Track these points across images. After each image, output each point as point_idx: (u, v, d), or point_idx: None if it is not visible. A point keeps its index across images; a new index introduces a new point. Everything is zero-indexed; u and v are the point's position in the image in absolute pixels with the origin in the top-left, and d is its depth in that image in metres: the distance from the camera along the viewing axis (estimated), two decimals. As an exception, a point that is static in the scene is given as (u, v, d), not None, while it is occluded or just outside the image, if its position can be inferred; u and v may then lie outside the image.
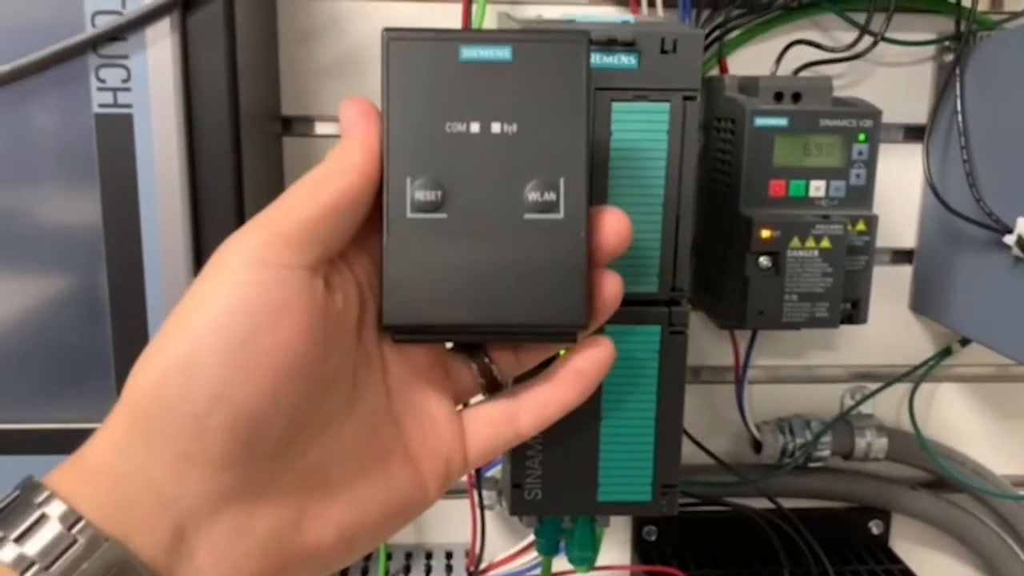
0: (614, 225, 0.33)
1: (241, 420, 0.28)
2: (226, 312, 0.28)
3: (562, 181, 0.33)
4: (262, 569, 0.29)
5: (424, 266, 0.32)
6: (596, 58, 0.40)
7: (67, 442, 0.47)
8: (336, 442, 0.31)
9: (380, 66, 0.33)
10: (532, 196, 0.33)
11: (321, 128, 0.60)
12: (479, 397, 0.36)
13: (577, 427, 0.42)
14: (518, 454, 0.42)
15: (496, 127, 0.33)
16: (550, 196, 0.33)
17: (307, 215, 0.30)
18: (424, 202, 0.32)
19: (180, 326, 0.28)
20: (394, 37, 0.32)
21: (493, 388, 0.35)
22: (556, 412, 0.34)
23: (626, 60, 0.40)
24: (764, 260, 0.50)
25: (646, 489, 0.43)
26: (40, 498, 0.27)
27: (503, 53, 0.32)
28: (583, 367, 0.34)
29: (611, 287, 0.34)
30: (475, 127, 0.32)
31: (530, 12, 0.58)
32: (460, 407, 0.35)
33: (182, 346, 0.28)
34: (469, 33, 0.33)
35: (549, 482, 0.43)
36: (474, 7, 0.54)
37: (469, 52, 0.32)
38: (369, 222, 0.32)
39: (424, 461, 0.33)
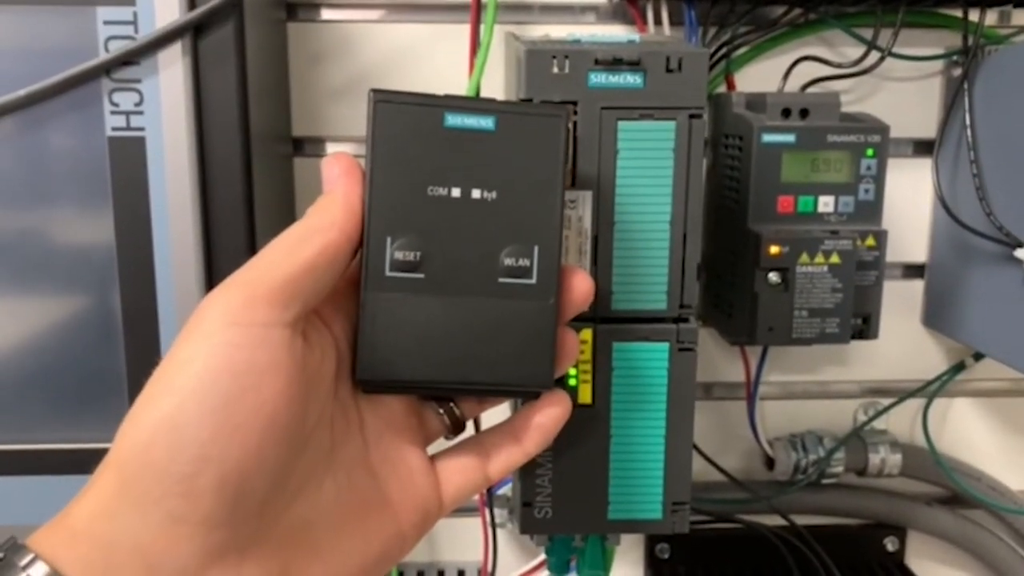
0: (580, 287, 0.35)
1: (229, 478, 0.28)
2: (210, 373, 0.28)
3: (536, 249, 0.34)
4: None
5: (399, 323, 0.34)
6: (602, 77, 0.40)
7: (80, 462, 0.47)
8: (317, 497, 0.32)
9: (366, 126, 0.34)
10: (507, 261, 0.34)
11: (332, 148, 0.60)
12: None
13: (587, 445, 0.42)
14: (528, 472, 0.42)
15: (476, 193, 0.34)
16: (524, 262, 0.34)
17: (287, 273, 0.30)
18: (403, 261, 0.34)
19: (165, 387, 0.29)
20: (381, 99, 0.34)
21: (457, 430, 0.37)
22: (519, 460, 0.36)
23: (632, 79, 0.40)
24: (773, 276, 0.50)
25: (656, 507, 0.43)
26: (24, 560, 0.27)
27: (486, 123, 0.34)
28: (543, 423, 0.36)
29: (571, 344, 0.36)
30: (456, 192, 0.34)
31: (537, 32, 0.59)
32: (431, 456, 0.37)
33: (168, 406, 0.28)
34: (454, 100, 0.34)
35: (559, 500, 0.43)
36: (482, 27, 0.54)
37: (454, 119, 0.33)
38: (345, 278, 0.33)
39: (402, 511, 0.34)
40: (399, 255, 0.33)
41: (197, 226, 0.46)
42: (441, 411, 0.36)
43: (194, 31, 0.45)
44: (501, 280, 0.34)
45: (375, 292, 0.34)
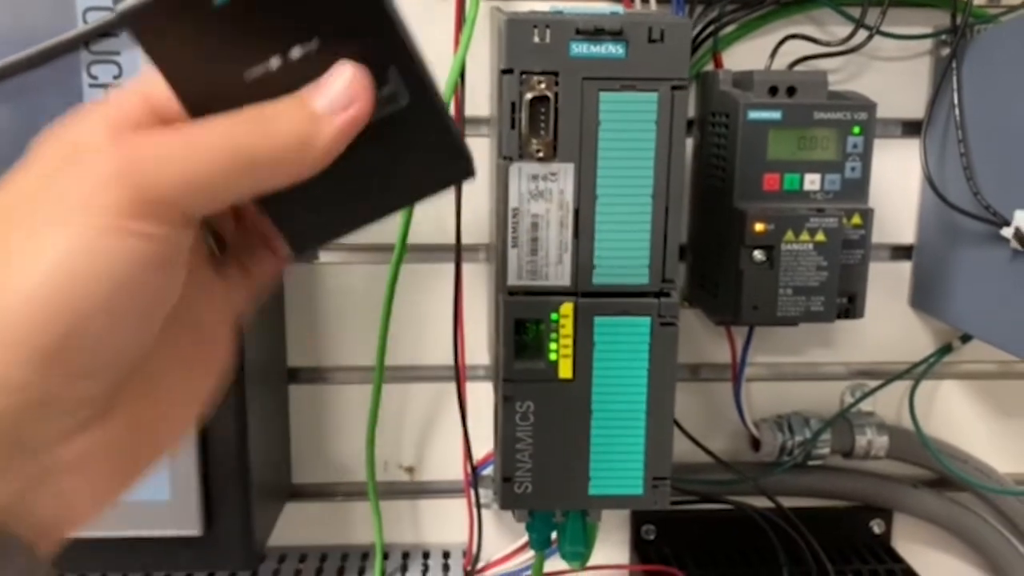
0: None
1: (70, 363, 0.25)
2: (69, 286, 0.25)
3: (393, 68, 0.29)
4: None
5: (304, 198, 0.29)
6: (583, 47, 0.40)
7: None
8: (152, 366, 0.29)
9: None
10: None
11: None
12: None
13: (568, 420, 0.42)
14: (508, 447, 0.42)
15: (297, 51, 0.28)
16: (387, 91, 0.29)
17: (205, 173, 0.26)
18: None
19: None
20: (137, 21, 0.27)
21: (222, 249, 0.33)
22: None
23: (613, 49, 0.40)
24: (758, 254, 0.50)
25: (637, 482, 0.43)
26: None
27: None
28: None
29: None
30: (275, 61, 0.28)
31: (523, 6, 0.58)
32: None
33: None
34: None
35: (540, 475, 0.42)
36: (467, 3, 0.54)
37: None
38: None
39: (221, 339, 0.32)
40: None
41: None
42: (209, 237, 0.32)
43: (174, 2, 0.45)
44: (374, 118, 0.29)
45: None
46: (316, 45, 0.28)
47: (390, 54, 0.29)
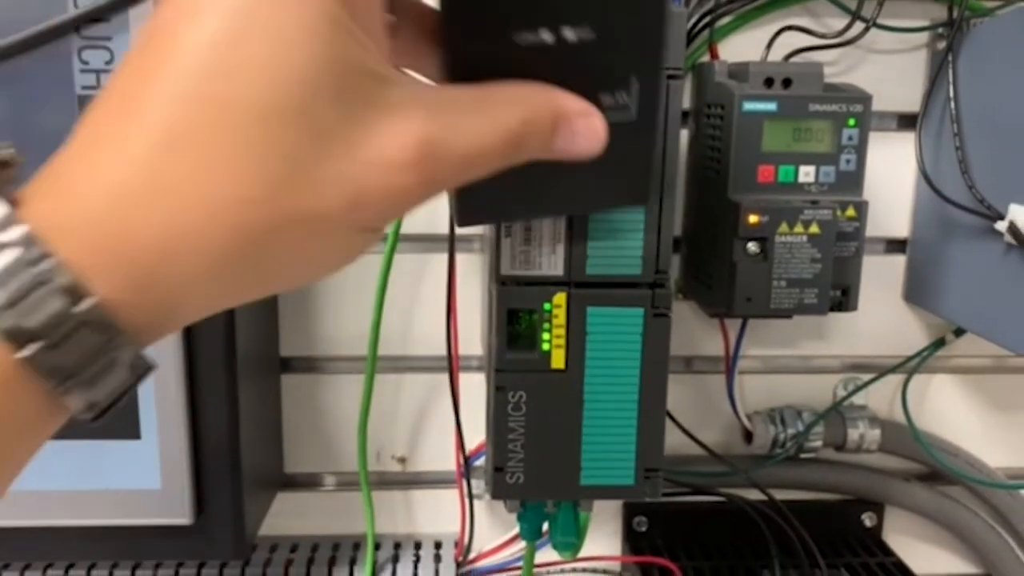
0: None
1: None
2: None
3: (636, 83, 0.31)
4: None
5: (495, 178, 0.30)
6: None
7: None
8: None
9: None
10: (607, 101, 0.31)
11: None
12: None
13: (560, 410, 0.42)
14: (500, 438, 0.42)
15: (570, 34, 0.29)
16: (623, 99, 0.31)
17: None
18: None
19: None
20: None
21: None
22: None
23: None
24: (752, 246, 0.50)
25: (629, 473, 0.43)
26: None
27: None
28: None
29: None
30: (547, 36, 0.29)
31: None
32: None
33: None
34: None
35: (531, 466, 0.42)
36: None
37: None
38: None
39: None
40: None
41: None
42: None
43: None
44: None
45: None
46: (589, 34, 0.29)
47: (643, 68, 0.31)
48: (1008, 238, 0.51)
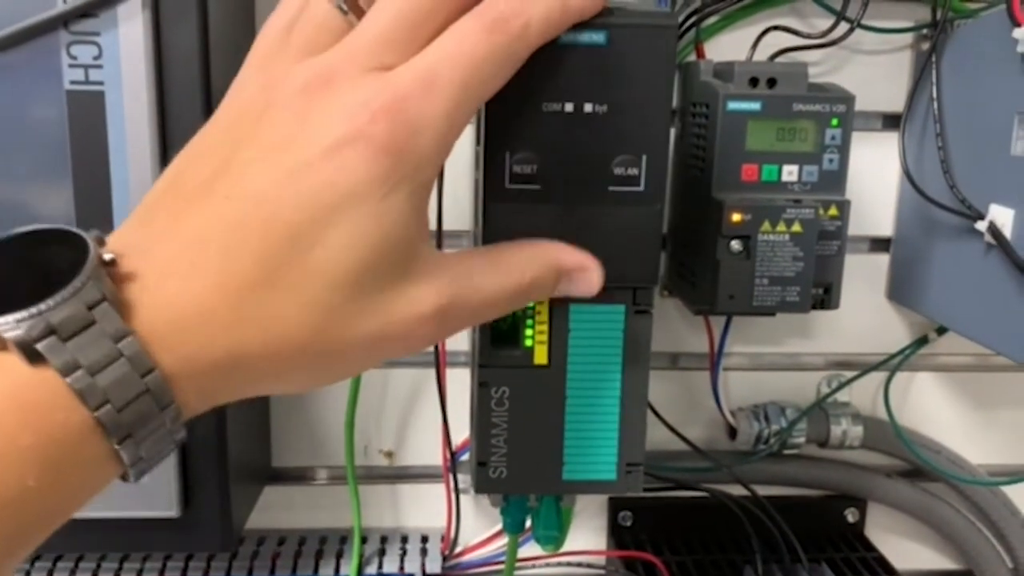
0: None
1: None
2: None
3: (644, 158, 0.37)
4: None
5: (518, 231, 0.37)
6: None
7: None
8: None
9: None
10: (618, 170, 0.37)
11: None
12: None
13: (543, 406, 0.42)
14: (483, 432, 0.42)
15: (588, 107, 0.36)
16: (633, 171, 0.37)
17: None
18: (521, 174, 0.36)
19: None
20: None
21: None
22: None
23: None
24: (735, 244, 0.50)
25: (611, 468, 0.43)
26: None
27: (599, 38, 0.36)
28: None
29: None
30: (569, 107, 0.36)
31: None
32: None
33: None
34: None
35: (514, 460, 0.43)
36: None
37: (567, 36, 0.35)
38: None
39: None
40: (517, 168, 0.36)
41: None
42: None
43: (154, -16, 0.44)
44: (611, 188, 0.37)
45: (495, 203, 0.37)
46: (605, 110, 0.36)
47: (650, 144, 0.37)
48: (988, 238, 0.51)
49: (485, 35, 0.30)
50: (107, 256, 0.27)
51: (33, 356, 0.25)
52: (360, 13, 0.32)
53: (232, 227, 0.28)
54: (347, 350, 0.30)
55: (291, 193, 0.28)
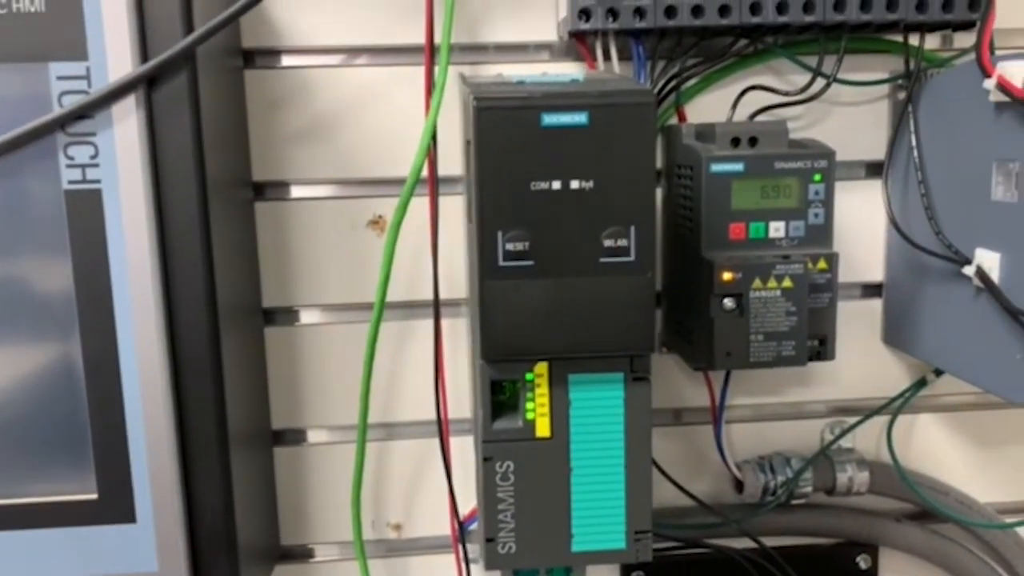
0: None
1: None
2: None
3: (633, 229, 0.39)
4: None
5: (515, 306, 0.39)
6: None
7: (43, 515, 0.47)
8: None
9: (471, 131, 0.38)
10: (607, 243, 0.39)
11: (296, 192, 0.61)
12: None
13: (548, 478, 0.43)
14: (491, 508, 0.43)
15: (575, 184, 0.38)
16: (623, 242, 0.39)
17: None
18: (514, 252, 0.38)
19: None
20: (483, 106, 0.38)
21: None
22: None
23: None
24: (728, 302, 0.51)
25: (619, 536, 0.43)
26: None
27: (580, 118, 0.38)
28: None
29: None
30: (556, 184, 0.38)
31: (491, 71, 0.60)
32: None
33: None
34: (550, 99, 0.38)
35: (523, 535, 0.43)
36: (436, 69, 0.55)
37: (550, 119, 0.37)
38: None
39: None
40: (510, 246, 0.38)
41: (156, 275, 0.47)
42: None
43: (147, 83, 0.46)
44: (603, 260, 0.39)
45: (490, 280, 0.39)
46: (591, 185, 0.38)
47: (638, 218, 0.39)
48: (976, 282, 0.52)
49: None
50: None
51: None
52: None
53: None
54: None
55: None
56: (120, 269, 0.47)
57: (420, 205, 0.55)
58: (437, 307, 0.56)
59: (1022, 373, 0.50)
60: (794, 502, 0.64)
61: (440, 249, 0.57)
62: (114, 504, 0.48)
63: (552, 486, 0.43)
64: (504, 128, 0.37)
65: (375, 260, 0.55)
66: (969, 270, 0.52)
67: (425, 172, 0.54)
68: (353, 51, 0.60)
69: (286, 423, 0.63)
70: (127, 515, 0.49)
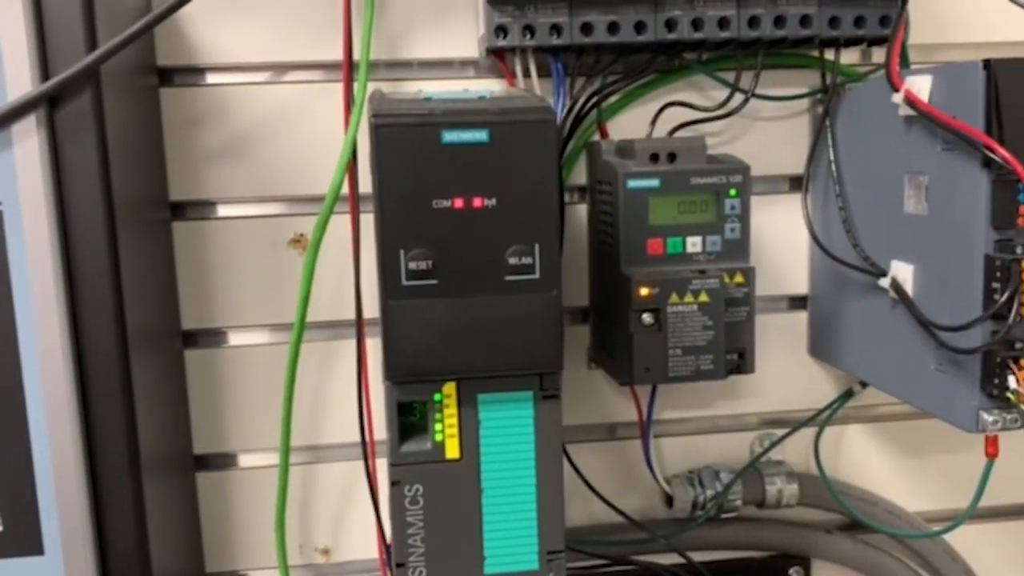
0: None
1: None
2: None
3: (537, 246, 0.39)
4: None
5: (419, 325, 0.38)
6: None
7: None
8: None
9: (370, 149, 0.38)
10: (512, 260, 0.38)
11: (216, 211, 0.60)
12: None
13: (458, 501, 0.42)
14: (400, 533, 0.42)
15: (477, 201, 0.38)
16: (527, 260, 0.39)
17: None
18: (416, 271, 0.38)
19: None
20: (381, 124, 0.37)
21: None
22: None
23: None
24: (646, 317, 0.51)
25: (532, 557, 0.43)
26: None
27: (480, 136, 0.37)
28: None
29: None
30: (459, 203, 0.38)
31: (413, 88, 0.59)
32: None
33: None
34: (449, 116, 0.37)
35: (433, 559, 0.42)
36: (355, 85, 0.55)
37: (450, 136, 0.37)
38: None
39: None
40: (412, 265, 0.38)
41: (61, 299, 0.46)
42: None
43: (48, 103, 0.45)
44: (507, 278, 0.38)
45: (394, 300, 0.38)
46: (494, 203, 0.38)
47: (542, 235, 0.39)
48: (892, 294, 0.53)
49: None
50: None
51: None
52: None
53: None
54: None
55: None
56: (23, 293, 0.45)
57: (343, 223, 0.55)
58: (360, 326, 0.55)
59: (937, 384, 0.50)
60: (724, 516, 0.64)
61: (363, 267, 0.56)
62: (20, 535, 0.47)
63: (463, 508, 0.42)
64: (404, 145, 0.37)
65: (297, 279, 0.54)
66: (885, 282, 0.53)
67: (346, 189, 0.53)
68: (273, 68, 0.59)
69: (209, 447, 0.62)
70: (34, 547, 0.47)
